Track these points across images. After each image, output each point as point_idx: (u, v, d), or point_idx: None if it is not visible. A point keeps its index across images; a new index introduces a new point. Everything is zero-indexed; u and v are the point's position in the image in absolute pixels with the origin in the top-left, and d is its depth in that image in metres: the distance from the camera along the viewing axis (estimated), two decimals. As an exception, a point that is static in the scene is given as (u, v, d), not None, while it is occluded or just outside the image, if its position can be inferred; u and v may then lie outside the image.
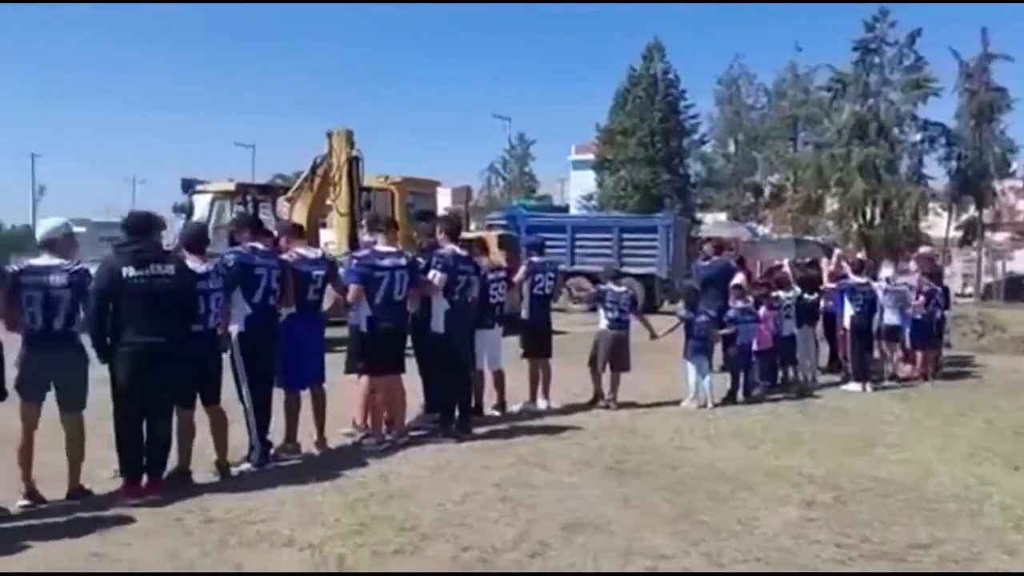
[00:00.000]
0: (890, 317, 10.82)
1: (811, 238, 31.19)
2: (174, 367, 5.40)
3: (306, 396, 6.61)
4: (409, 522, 4.92)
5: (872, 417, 8.53)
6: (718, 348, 9.56)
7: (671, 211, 31.36)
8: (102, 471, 5.57)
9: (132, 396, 5.27)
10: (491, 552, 4.48)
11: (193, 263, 5.70)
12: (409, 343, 7.26)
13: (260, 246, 6.21)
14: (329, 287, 6.86)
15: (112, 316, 5.26)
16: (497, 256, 10.79)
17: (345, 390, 7.00)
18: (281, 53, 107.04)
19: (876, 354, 10.82)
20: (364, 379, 6.81)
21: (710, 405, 8.73)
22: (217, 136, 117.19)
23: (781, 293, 10.13)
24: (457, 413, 7.30)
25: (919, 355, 11.32)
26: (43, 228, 5.45)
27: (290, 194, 14.30)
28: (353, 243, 12.63)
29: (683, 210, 36.25)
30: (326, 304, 7.13)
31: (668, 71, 41.93)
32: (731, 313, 9.42)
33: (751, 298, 9.72)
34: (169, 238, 8.60)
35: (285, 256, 6.44)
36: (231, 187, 15.10)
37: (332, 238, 13.74)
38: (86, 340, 5.38)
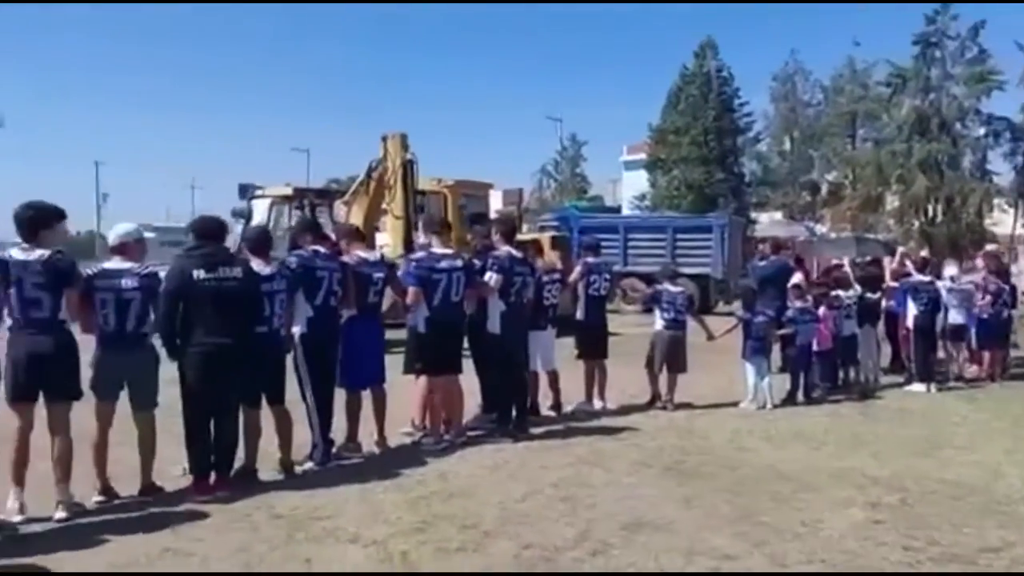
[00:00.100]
0: (955, 316, 10.56)
1: (871, 236, 30.50)
2: (240, 368, 5.54)
3: (367, 396, 6.71)
4: (470, 520, 4.98)
5: (938, 418, 8.34)
6: (776, 349, 9.44)
7: (725, 210, 30.96)
8: (172, 468, 5.74)
9: (201, 396, 5.42)
10: (553, 550, 4.50)
11: (257, 266, 5.84)
12: (465, 344, 7.32)
13: (322, 249, 6.35)
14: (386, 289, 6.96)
15: (181, 317, 5.42)
16: (552, 258, 10.81)
17: (404, 390, 7.09)
18: (335, 58, 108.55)
19: (941, 354, 10.58)
20: (422, 379, 6.90)
21: (769, 406, 8.63)
22: (272, 141, 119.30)
23: (841, 292, 9.96)
24: (514, 413, 7.34)
25: (986, 355, 11.00)
26: (115, 233, 5.63)
27: (346, 198, 14.52)
28: (408, 246, 12.78)
29: (738, 209, 35.78)
30: (384, 306, 7.23)
31: (721, 69, 41.43)
32: (790, 313, 9.30)
33: (810, 298, 9.58)
34: (228, 242, 8.81)
35: (346, 259, 6.55)
36: (289, 191, 15.37)
37: (387, 241, 13.90)
38: (156, 341, 5.56)
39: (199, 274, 5.38)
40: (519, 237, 8.43)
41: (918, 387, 9.87)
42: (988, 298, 10.96)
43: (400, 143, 13.66)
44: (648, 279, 17.47)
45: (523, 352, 7.61)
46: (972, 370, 11.02)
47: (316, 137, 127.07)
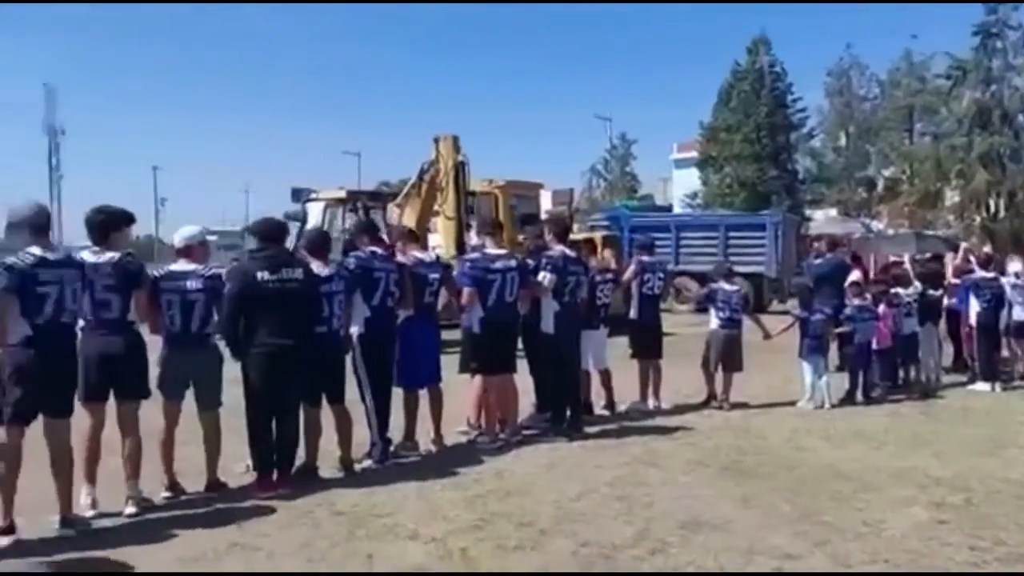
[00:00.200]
0: (1020, 313, 10.24)
1: (931, 233, 29.78)
2: (301, 368, 5.65)
3: (423, 395, 6.80)
4: (527, 518, 5.01)
5: (1002, 418, 8.13)
6: (834, 347, 9.29)
7: (779, 208, 30.54)
8: (235, 466, 5.88)
9: (263, 395, 5.54)
10: (611, 548, 4.51)
11: (316, 267, 5.95)
12: (520, 344, 7.36)
13: (379, 250, 6.45)
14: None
15: (245, 318, 5.54)
16: (607, 257, 10.78)
17: (459, 390, 7.15)
18: (385, 60, 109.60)
19: (1005, 352, 10.30)
20: (477, 379, 6.95)
21: (827, 406, 8.50)
22: (323, 145, 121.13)
23: (901, 290, 9.77)
24: (568, 413, 7.36)
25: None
26: (180, 235, 5.78)
27: (399, 200, 14.66)
28: (459, 247, 12.88)
29: (791, 207, 35.23)
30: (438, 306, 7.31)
31: (774, 64, 40.83)
32: (848, 311, 9.15)
33: (869, 295, 9.41)
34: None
35: (403, 259, 6.64)
36: (342, 194, 15.62)
37: (439, 242, 14.00)
38: (220, 342, 5.70)
39: (263, 276, 5.51)
40: (575, 237, 8.43)
41: (982, 386, 9.63)
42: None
43: (452, 145, 13.76)
44: (700, 278, 17.34)
45: (576, 352, 7.62)
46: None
47: (367, 140, 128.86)
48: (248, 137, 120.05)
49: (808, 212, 39.28)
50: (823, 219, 38.65)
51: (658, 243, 13.81)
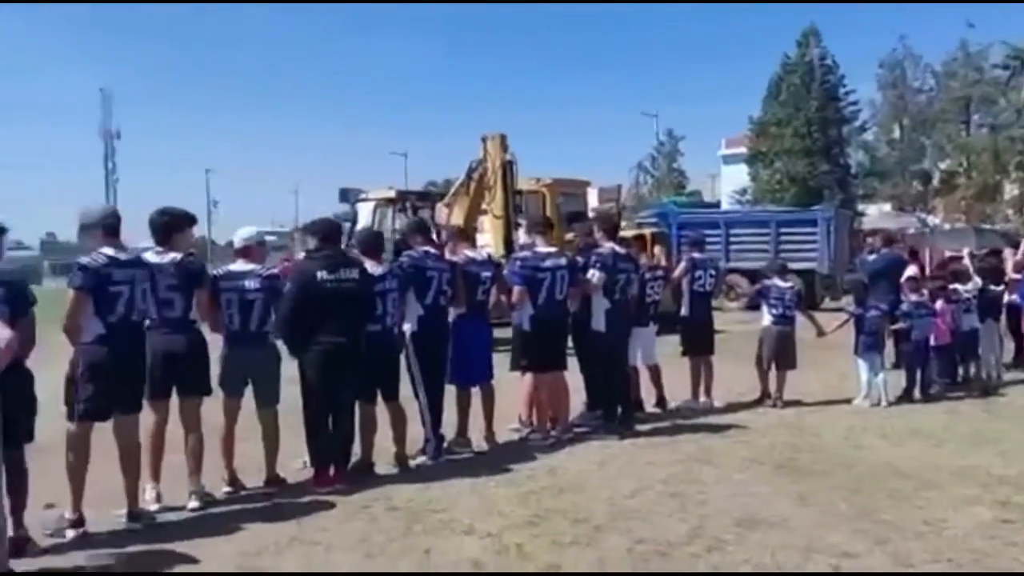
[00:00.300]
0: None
1: (989, 227, 29.01)
2: (357, 365, 5.74)
3: (475, 393, 6.84)
4: (581, 515, 5.03)
5: (1069, 416, 7.91)
6: (890, 344, 9.13)
7: (831, 203, 30.03)
8: (293, 462, 6.00)
9: (320, 392, 5.65)
10: (666, 546, 4.50)
11: (370, 266, 6.04)
12: (570, 342, 7.36)
13: (432, 250, 6.51)
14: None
15: (303, 317, 5.64)
16: (657, 254, 10.74)
17: (509, 387, 7.19)
18: (429, 60, 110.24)
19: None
20: (528, 377, 6.98)
21: (884, 403, 8.35)
22: (370, 145, 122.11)
23: (959, 286, 9.55)
24: (619, 410, 7.35)
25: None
26: (239, 236, 5.92)
27: (447, 199, 14.75)
28: (507, 245, 12.92)
29: (844, 202, 34.65)
30: (488, 304, 7.35)
31: (825, 57, 40.24)
32: (905, 307, 8.98)
33: (927, 291, 9.22)
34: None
35: (455, 258, 6.70)
36: (392, 194, 15.79)
37: (486, 241, 14.05)
38: (277, 340, 5.82)
39: (322, 275, 5.61)
40: (626, 233, 8.41)
41: (1045, 383, 9.38)
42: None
43: (500, 143, 13.79)
44: (751, 275, 17.15)
45: (626, 349, 7.60)
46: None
47: (413, 141, 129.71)
48: (297, 139, 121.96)
49: (861, 207, 38.58)
50: (876, 214, 37.89)
51: (707, 240, 13.72)
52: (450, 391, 6.65)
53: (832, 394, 8.84)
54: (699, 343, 8.53)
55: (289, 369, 5.81)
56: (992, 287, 9.89)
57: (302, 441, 5.85)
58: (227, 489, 5.65)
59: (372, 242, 6.43)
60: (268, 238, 6.82)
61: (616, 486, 5.65)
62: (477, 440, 6.80)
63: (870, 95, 42.98)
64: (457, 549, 4.53)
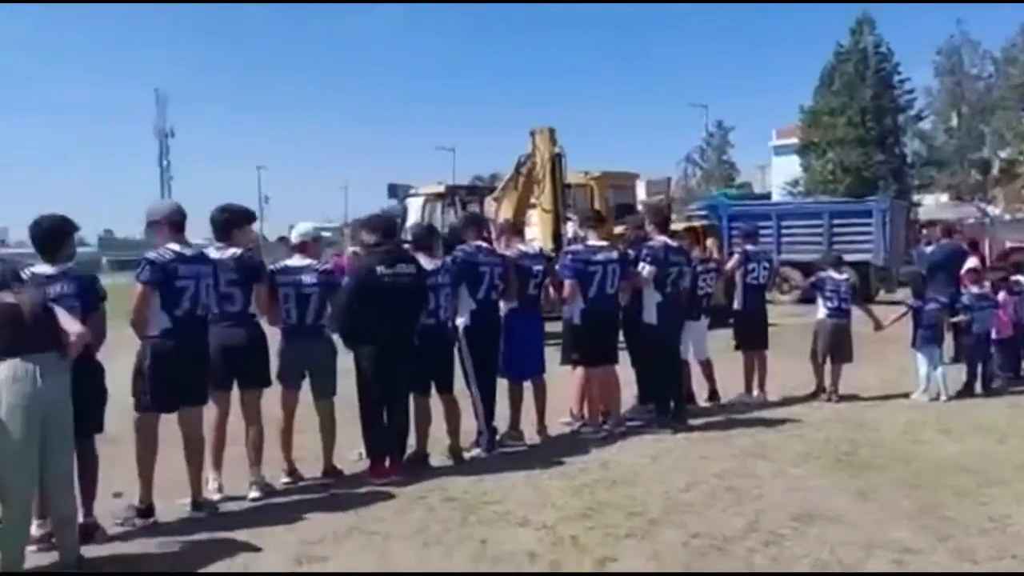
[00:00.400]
0: None
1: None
2: (411, 358, 5.82)
3: (528, 386, 6.87)
4: (636, 508, 5.03)
5: None
6: (949, 338, 8.92)
7: (886, 194, 29.34)
8: (349, 453, 6.10)
9: (376, 385, 5.74)
10: (722, 540, 4.48)
11: (424, 261, 6.10)
12: (621, 335, 7.35)
13: (484, 244, 6.55)
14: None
15: (360, 310, 5.72)
16: (710, 247, 10.62)
17: (560, 381, 7.20)
18: (476, 55, 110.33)
19: None
20: (579, 370, 6.98)
21: (944, 397, 8.18)
22: (418, 141, 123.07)
23: (1021, 277, 9.30)
24: (671, 404, 7.32)
25: None
26: (296, 232, 6.04)
27: (496, 194, 14.78)
28: (556, 239, 12.91)
29: (899, 192, 33.88)
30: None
31: (879, 44, 39.29)
32: (965, 299, 8.78)
33: (988, 283, 9.00)
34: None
35: (507, 252, 6.73)
36: (441, 189, 15.90)
37: (535, 235, 14.05)
38: (332, 334, 5.91)
39: (381, 269, 5.70)
40: (678, 226, 8.35)
41: (1112, 377, 9.09)
42: None
43: (548, 137, 13.76)
44: (804, 267, 16.87)
45: (678, 343, 7.56)
46: None
47: (460, 136, 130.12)
48: (346, 135, 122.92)
49: (917, 197, 37.66)
50: (934, 204, 36.93)
51: (759, 232, 13.54)
52: (502, 385, 6.69)
53: (890, 388, 8.68)
54: (753, 337, 8.44)
55: (345, 362, 5.91)
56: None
57: (358, 433, 5.94)
58: (285, 479, 5.77)
59: (425, 237, 6.50)
60: (324, 234, 6.92)
61: (670, 480, 5.64)
62: (529, 434, 6.83)
63: (926, 83, 41.94)
64: (513, 540, 4.57)
